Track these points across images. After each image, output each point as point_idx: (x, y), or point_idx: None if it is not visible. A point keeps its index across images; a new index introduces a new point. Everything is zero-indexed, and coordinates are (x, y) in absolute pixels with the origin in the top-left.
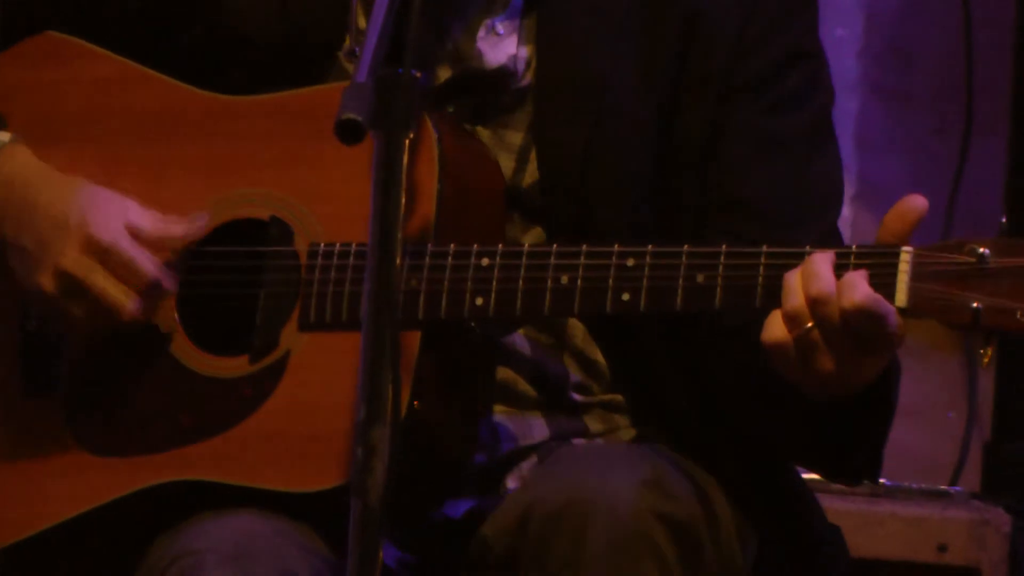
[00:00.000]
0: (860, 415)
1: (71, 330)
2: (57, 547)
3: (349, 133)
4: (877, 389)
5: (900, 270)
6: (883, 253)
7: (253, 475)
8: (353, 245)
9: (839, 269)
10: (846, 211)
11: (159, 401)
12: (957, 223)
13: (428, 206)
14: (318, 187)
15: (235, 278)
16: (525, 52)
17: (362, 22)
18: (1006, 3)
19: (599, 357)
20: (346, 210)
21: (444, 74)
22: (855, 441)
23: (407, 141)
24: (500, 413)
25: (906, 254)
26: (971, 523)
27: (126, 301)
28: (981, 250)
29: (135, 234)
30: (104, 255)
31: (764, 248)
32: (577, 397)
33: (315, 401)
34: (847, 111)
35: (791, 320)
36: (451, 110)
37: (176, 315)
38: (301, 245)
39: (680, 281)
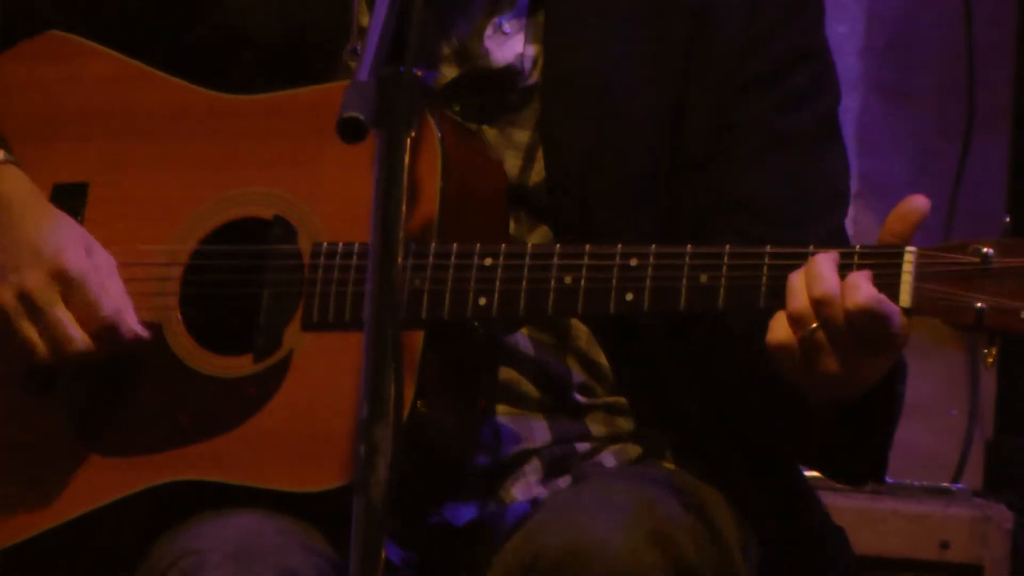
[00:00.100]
0: (864, 417)
1: (25, 354)
2: (59, 547)
3: (351, 131)
4: (882, 390)
5: (904, 270)
6: (887, 253)
7: (256, 475)
8: (356, 245)
9: (843, 270)
10: None
11: (161, 401)
12: (958, 221)
13: (431, 205)
14: (320, 186)
15: (238, 277)
16: (532, 51)
17: (364, 20)
18: (1007, 1)
19: (602, 359)
20: (349, 209)
21: (451, 73)
22: (859, 443)
23: (409, 140)
24: (503, 414)
25: (910, 254)
26: (973, 520)
27: (76, 338)
28: (985, 250)
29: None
30: (68, 288)
31: (767, 248)
32: (580, 398)
33: (319, 401)
34: (848, 109)
35: (795, 321)
36: (458, 108)
37: (179, 314)
38: (304, 244)
39: (684, 281)
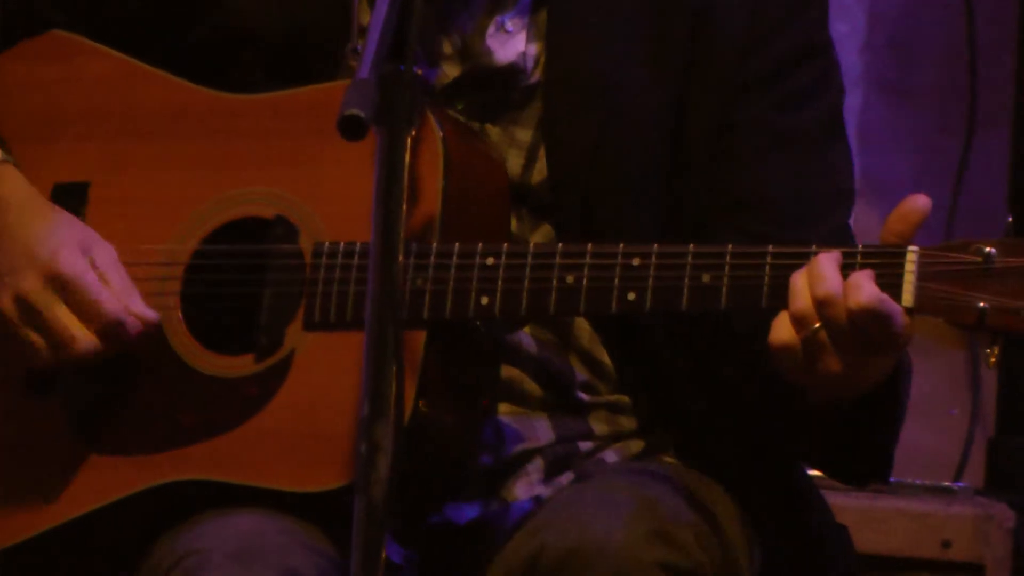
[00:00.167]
0: (866, 417)
1: (28, 359)
2: (60, 547)
3: (352, 129)
4: (884, 390)
5: (906, 270)
6: (889, 253)
7: (258, 475)
8: (357, 244)
9: (845, 269)
10: None
11: (162, 400)
12: (960, 220)
13: (432, 204)
14: (321, 186)
15: (239, 277)
16: (534, 49)
17: (365, 19)
18: None
19: (605, 357)
20: (350, 209)
21: (453, 71)
22: (861, 443)
23: (410, 138)
24: (505, 413)
25: (912, 254)
26: (975, 519)
27: (81, 337)
28: (987, 250)
29: (103, 278)
30: (65, 289)
31: (770, 248)
32: (583, 397)
33: (320, 401)
34: (849, 107)
35: (798, 321)
36: (460, 107)
37: (180, 314)
38: (305, 244)
39: (686, 281)
